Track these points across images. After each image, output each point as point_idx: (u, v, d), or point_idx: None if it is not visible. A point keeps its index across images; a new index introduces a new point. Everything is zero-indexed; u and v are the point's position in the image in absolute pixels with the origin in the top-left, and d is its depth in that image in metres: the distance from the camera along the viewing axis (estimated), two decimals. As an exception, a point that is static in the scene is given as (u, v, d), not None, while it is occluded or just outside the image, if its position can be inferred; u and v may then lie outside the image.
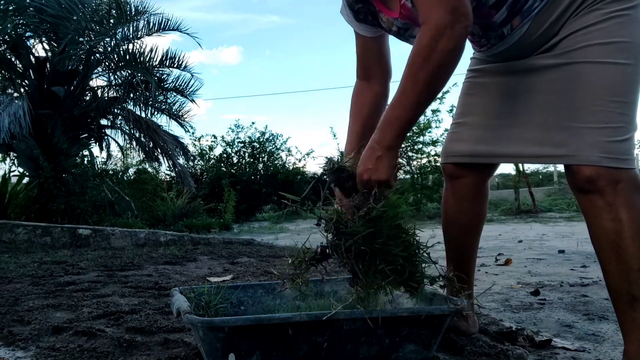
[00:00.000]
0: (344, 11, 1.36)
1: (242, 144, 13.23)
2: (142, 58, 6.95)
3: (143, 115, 7.53)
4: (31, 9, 6.23)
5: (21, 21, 6.38)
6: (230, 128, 14.76)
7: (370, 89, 1.41)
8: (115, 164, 11.16)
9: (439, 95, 11.58)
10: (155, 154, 7.86)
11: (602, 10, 1.12)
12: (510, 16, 1.19)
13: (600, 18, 1.12)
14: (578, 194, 1.16)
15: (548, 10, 1.16)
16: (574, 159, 1.14)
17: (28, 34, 6.65)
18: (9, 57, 6.57)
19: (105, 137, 7.91)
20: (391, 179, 1.13)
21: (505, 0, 1.17)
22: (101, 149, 7.91)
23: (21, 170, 6.64)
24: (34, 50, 6.84)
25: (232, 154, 13.25)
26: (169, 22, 7.05)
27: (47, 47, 6.77)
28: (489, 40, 1.27)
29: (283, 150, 13.51)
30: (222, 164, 13.00)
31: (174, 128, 16.51)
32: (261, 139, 13.24)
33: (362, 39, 1.39)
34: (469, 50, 1.43)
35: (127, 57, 6.87)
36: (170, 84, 7.63)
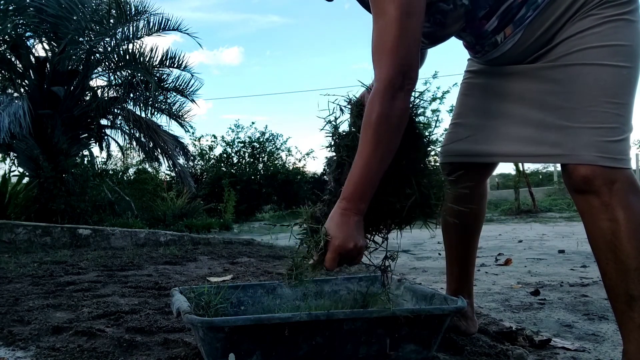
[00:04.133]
0: None
1: (242, 144, 13.24)
2: (142, 58, 6.95)
3: (143, 115, 7.54)
4: (31, 9, 6.23)
5: (21, 21, 6.38)
6: (230, 128, 14.79)
7: None
8: (115, 164, 11.18)
9: (439, 95, 11.62)
10: (155, 154, 7.86)
11: (597, 15, 1.13)
12: (501, 25, 1.20)
13: (595, 22, 1.13)
14: (574, 194, 1.17)
15: (541, 18, 1.17)
16: (570, 158, 1.15)
17: (28, 34, 6.65)
18: (9, 57, 6.57)
19: (105, 137, 7.91)
20: (364, 242, 1.12)
21: (495, 11, 1.18)
22: (101, 149, 7.92)
23: (21, 170, 6.64)
24: (34, 50, 6.85)
25: (232, 154, 13.26)
26: (169, 22, 7.05)
27: (47, 47, 6.78)
28: (483, 47, 1.28)
29: (283, 150, 13.54)
30: (222, 164, 13.01)
31: (174, 128, 16.52)
32: (261, 139, 13.26)
33: None
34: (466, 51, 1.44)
35: (127, 57, 6.87)
36: (170, 84, 7.63)
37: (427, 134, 1.25)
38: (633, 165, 1.25)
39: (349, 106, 1.28)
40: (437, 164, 1.24)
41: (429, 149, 1.24)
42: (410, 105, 1.17)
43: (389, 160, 1.11)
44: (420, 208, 1.19)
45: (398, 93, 1.06)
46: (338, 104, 1.28)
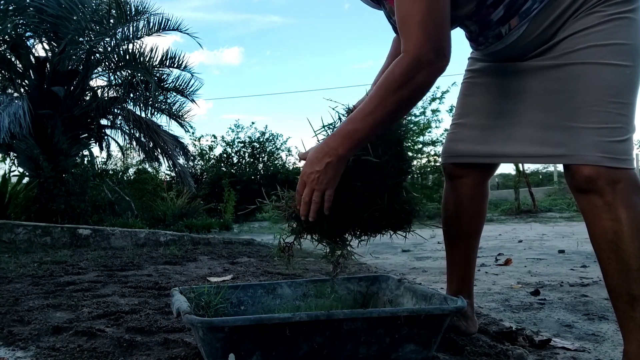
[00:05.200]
0: None
1: (242, 144, 13.24)
2: (142, 58, 6.95)
3: (143, 115, 7.53)
4: (31, 9, 6.23)
5: (21, 21, 6.38)
6: (230, 128, 14.77)
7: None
8: (115, 164, 11.17)
9: (438, 95, 11.65)
10: (155, 154, 7.86)
11: (601, 13, 1.12)
12: (507, 16, 1.19)
13: (599, 20, 1.12)
14: (577, 194, 1.17)
15: (546, 11, 1.16)
16: (573, 158, 1.14)
17: (28, 34, 6.64)
18: (9, 57, 6.57)
19: (105, 137, 7.91)
20: (332, 188, 1.14)
21: (503, 0, 1.17)
22: (101, 149, 7.92)
23: (21, 170, 6.64)
24: (34, 50, 6.85)
25: (232, 154, 13.26)
26: (169, 22, 7.05)
27: (47, 47, 6.77)
28: (487, 39, 1.27)
29: (283, 150, 13.53)
30: (222, 164, 13.00)
31: (174, 128, 16.51)
32: (261, 139, 13.25)
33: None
34: (468, 50, 1.43)
35: (127, 57, 6.87)
36: (170, 84, 7.63)
37: (412, 146, 1.27)
38: (636, 165, 1.26)
39: (347, 115, 1.30)
40: (416, 178, 1.27)
41: (413, 161, 1.25)
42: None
43: (385, 126, 1.12)
44: (388, 219, 1.22)
45: (424, 69, 1.03)
46: (337, 112, 1.30)
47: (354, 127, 1.10)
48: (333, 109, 1.29)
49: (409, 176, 1.27)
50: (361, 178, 1.18)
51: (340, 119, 1.30)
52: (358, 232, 1.27)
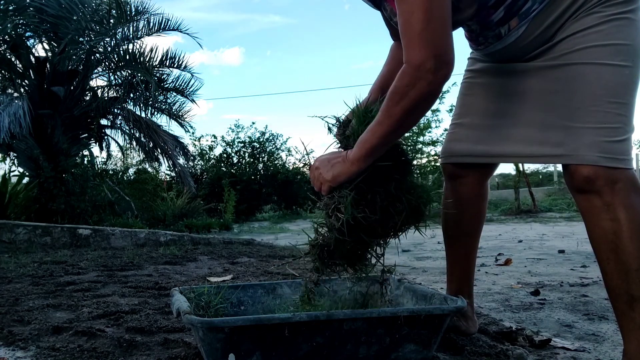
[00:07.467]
0: None
1: (242, 144, 13.23)
2: (142, 58, 6.95)
3: (143, 115, 7.53)
4: (31, 9, 6.23)
5: (21, 21, 6.38)
6: (230, 128, 14.75)
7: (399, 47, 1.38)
8: (115, 164, 11.17)
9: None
10: (155, 154, 7.86)
11: (600, 13, 1.13)
12: (507, 17, 1.19)
13: (598, 21, 1.13)
14: (576, 194, 1.17)
15: (545, 12, 1.16)
16: (571, 158, 1.15)
17: (28, 34, 6.64)
18: (9, 57, 6.57)
19: (105, 137, 7.91)
20: (334, 184, 1.17)
21: (503, 2, 1.17)
22: (101, 149, 7.92)
23: (21, 170, 6.64)
24: (34, 50, 6.84)
25: (232, 154, 13.25)
26: (169, 22, 7.05)
27: (47, 47, 6.77)
28: (487, 39, 1.27)
29: (283, 150, 13.52)
30: (222, 164, 13.00)
31: (174, 128, 16.54)
32: (261, 139, 13.25)
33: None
34: (468, 50, 1.44)
35: (127, 57, 6.87)
36: (170, 84, 7.63)
37: (408, 151, 1.29)
38: (635, 166, 1.26)
39: (337, 124, 1.33)
40: (422, 175, 1.30)
41: (413, 166, 1.28)
42: None
43: (394, 136, 1.15)
44: (410, 218, 1.26)
45: (427, 76, 1.02)
46: (327, 122, 1.34)
47: (365, 137, 1.13)
48: (322, 119, 1.33)
49: (414, 172, 1.29)
50: (375, 188, 1.20)
51: (329, 129, 1.34)
52: (382, 242, 1.29)
